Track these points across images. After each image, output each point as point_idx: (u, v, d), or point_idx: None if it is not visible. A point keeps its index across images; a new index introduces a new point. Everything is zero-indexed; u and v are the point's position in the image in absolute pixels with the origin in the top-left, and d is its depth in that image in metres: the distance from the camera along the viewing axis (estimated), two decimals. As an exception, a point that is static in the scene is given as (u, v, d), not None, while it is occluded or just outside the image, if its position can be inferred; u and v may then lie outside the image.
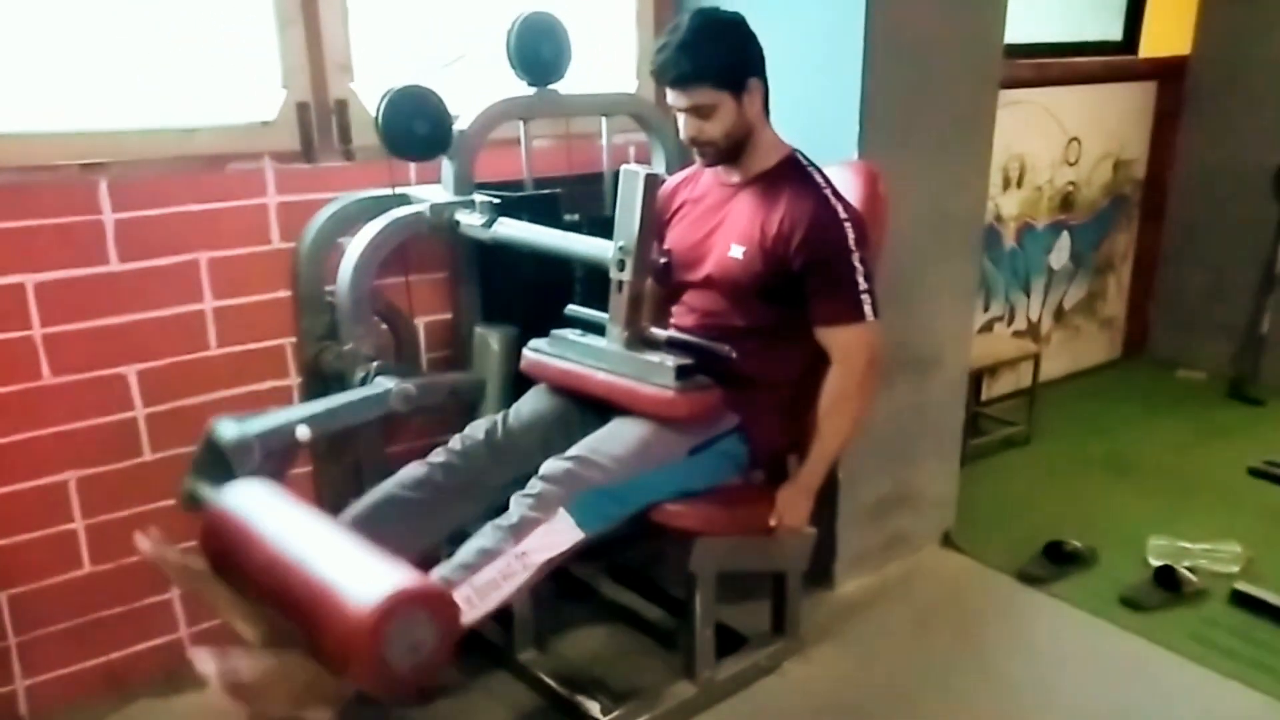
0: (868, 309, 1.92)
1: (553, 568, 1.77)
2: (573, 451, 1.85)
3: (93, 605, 2.12)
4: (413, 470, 1.94)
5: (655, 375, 1.87)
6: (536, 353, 2.06)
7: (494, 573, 1.71)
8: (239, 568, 1.61)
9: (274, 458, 1.88)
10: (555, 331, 2.06)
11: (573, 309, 2.06)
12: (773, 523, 2.00)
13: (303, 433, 1.92)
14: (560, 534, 1.77)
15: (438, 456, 1.96)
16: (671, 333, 1.99)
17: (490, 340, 2.20)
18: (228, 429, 1.86)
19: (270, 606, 1.57)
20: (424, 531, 1.92)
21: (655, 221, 1.87)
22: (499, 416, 2.03)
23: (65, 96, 1.94)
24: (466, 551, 1.73)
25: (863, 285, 1.91)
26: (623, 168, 1.84)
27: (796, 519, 2.04)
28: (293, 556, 1.52)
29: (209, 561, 1.67)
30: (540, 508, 1.77)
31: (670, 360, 1.86)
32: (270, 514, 1.63)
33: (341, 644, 1.41)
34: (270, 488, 1.72)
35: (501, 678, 2.22)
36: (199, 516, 1.72)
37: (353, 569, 1.47)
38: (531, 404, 2.07)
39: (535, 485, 1.80)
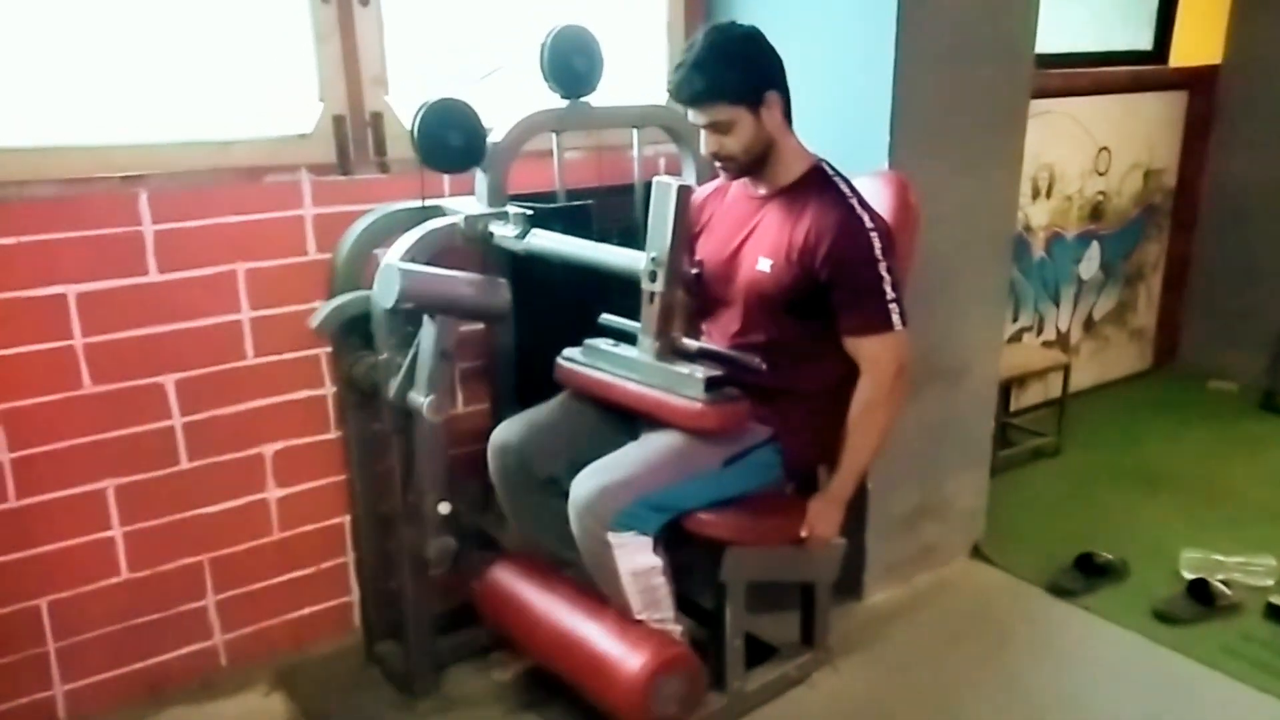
0: (895, 318, 1.92)
1: (669, 567, 1.91)
2: (603, 468, 1.88)
3: (130, 612, 2.15)
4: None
5: (685, 387, 1.88)
6: (570, 361, 2.08)
7: (642, 606, 1.90)
8: (515, 633, 2.07)
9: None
10: (588, 341, 2.07)
11: (606, 318, 2.07)
12: (804, 534, 2.01)
13: (444, 508, 2.03)
14: (633, 551, 1.86)
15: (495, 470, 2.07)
16: (703, 344, 1.99)
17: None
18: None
19: (547, 666, 2.03)
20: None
21: (687, 233, 1.88)
22: (524, 426, 2.06)
23: (106, 110, 1.97)
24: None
25: (890, 294, 1.91)
26: (655, 179, 1.84)
27: (827, 530, 2.04)
28: (568, 628, 1.96)
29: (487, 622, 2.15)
30: (592, 545, 1.86)
31: (700, 372, 1.87)
32: (538, 588, 2.06)
33: (619, 702, 1.86)
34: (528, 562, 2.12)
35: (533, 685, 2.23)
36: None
37: (618, 639, 1.89)
38: (561, 410, 2.09)
39: (574, 522, 1.87)
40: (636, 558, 1.87)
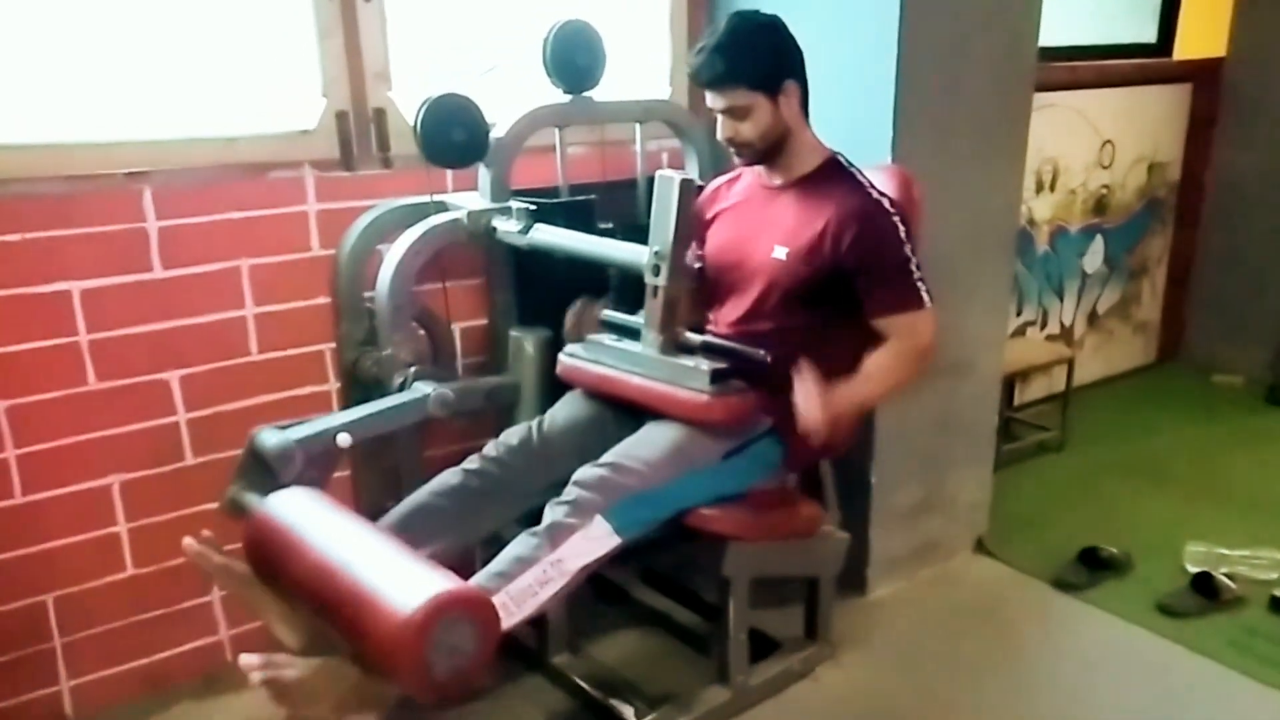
0: (925, 296, 1.95)
1: (589, 574, 1.77)
2: (607, 458, 1.86)
3: (135, 608, 2.16)
4: (448, 478, 1.96)
5: (690, 379, 1.88)
6: (572, 358, 2.08)
7: (530, 580, 1.71)
8: (282, 574, 1.64)
9: (316, 464, 1.90)
10: (590, 336, 2.07)
11: (608, 314, 2.07)
12: (805, 414, 1.86)
13: (344, 440, 1.94)
14: (597, 541, 1.78)
15: (473, 463, 1.97)
16: (707, 337, 1.99)
17: (525, 344, 2.22)
18: (269, 437, 1.88)
19: (314, 613, 1.60)
20: (459, 536, 1.93)
21: (691, 226, 1.88)
22: (534, 423, 2.05)
23: (110, 107, 1.98)
24: (502, 560, 1.74)
25: (917, 274, 1.94)
26: (658, 173, 1.85)
27: (814, 410, 1.85)
28: (336, 563, 1.53)
29: (253, 568, 1.70)
30: (576, 514, 1.78)
31: (705, 365, 1.87)
32: (313, 521, 1.65)
33: (385, 648, 1.42)
34: (312, 495, 1.74)
35: (536, 681, 2.24)
36: (242, 523, 1.74)
37: (395, 575, 1.49)
38: (567, 409, 2.08)
39: (571, 492, 1.81)
40: (585, 546, 1.75)
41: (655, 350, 1.93)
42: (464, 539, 1.94)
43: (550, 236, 2.07)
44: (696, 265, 2.05)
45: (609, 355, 2.02)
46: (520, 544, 1.75)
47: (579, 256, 2.05)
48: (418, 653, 1.39)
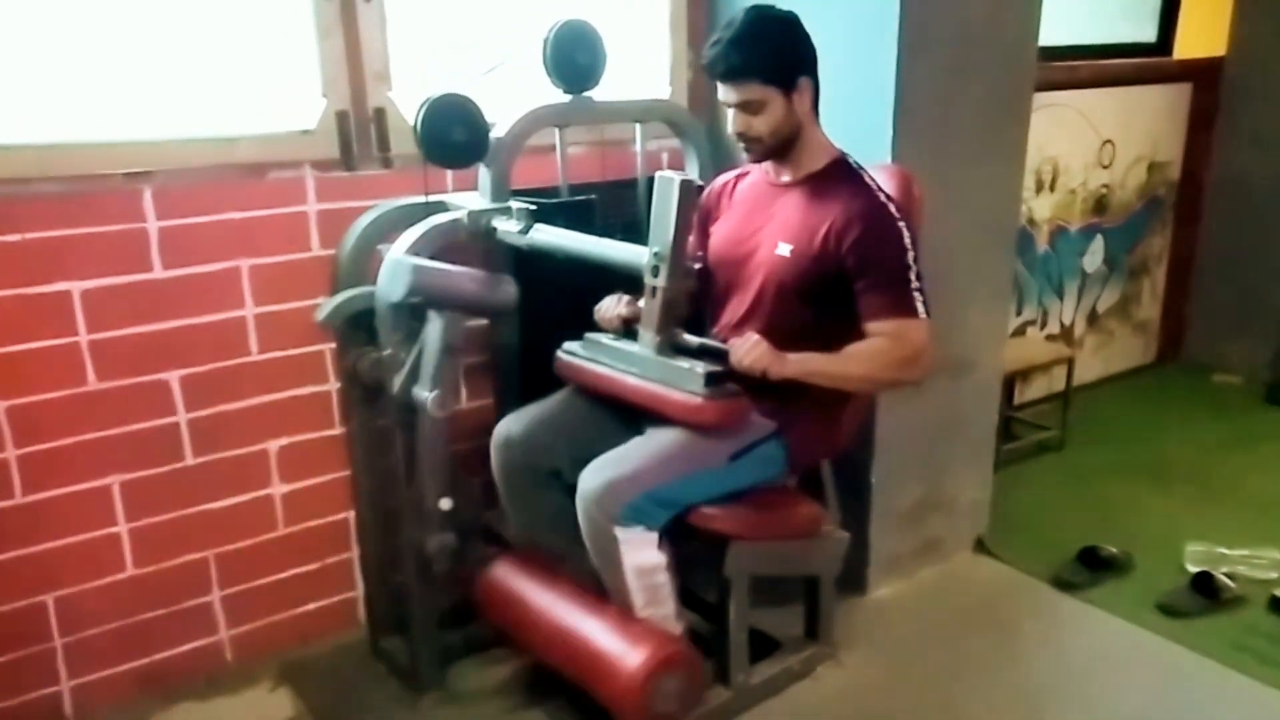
0: (920, 306, 1.92)
1: (673, 564, 1.92)
2: (610, 462, 1.88)
3: (135, 607, 2.16)
4: (513, 489, 2.09)
5: (685, 381, 1.88)
6: (569, 355, 2.08)
7: (643, 600, 1.90)
8: (515, 629, 2.07)
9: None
10: (589, 335, 2.07)
11: (599, 311, 2.08)
12: (735, 357, 1.89)
13: (446, 504, 2.04)
14: (638, 547, 1.86)
15: (501, 464, 2.07)
16: (705, 340, 1.99)
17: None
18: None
19: (546, 662, 2.02)
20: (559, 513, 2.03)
21: (689, 227, 1.88)
22: (528, 421, 2.07)
23: (110, 107, 1.98)
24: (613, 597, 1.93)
25: (915, 283, 1.92)
26: (658, 174, 1.85)
27: (749, 354, 1.88)
28: (568, 624, 1.95)
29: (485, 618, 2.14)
30: (600, 539, 1.86)
31: (700, 367, 1.87)
32: (537, 585, 2.05)
33: (618, 698, 1.85)
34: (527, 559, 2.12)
35: (535, 679, 2.24)
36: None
37: (618, 635, 1.89)
38: (565, 404, 2.10)
39: (581, 514, 1.86)
40: (641, 553, 1.87)
41: (652, 351, 1.93)
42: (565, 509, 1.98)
43: (550, 237, 2.07)
44: (696, 266, 2.05)
45: (606, 354, 2.02)
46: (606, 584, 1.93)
47: (578, 257, 2.05)
48: (644, 701, 1.82)
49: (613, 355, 2.01)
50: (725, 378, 1.89)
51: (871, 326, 1.93)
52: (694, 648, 1.96)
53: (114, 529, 2.10)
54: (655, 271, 1.87)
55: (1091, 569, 2.64)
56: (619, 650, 1.86)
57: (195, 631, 2.25)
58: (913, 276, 1.92)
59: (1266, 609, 2.49)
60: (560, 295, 2.17)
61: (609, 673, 1.86)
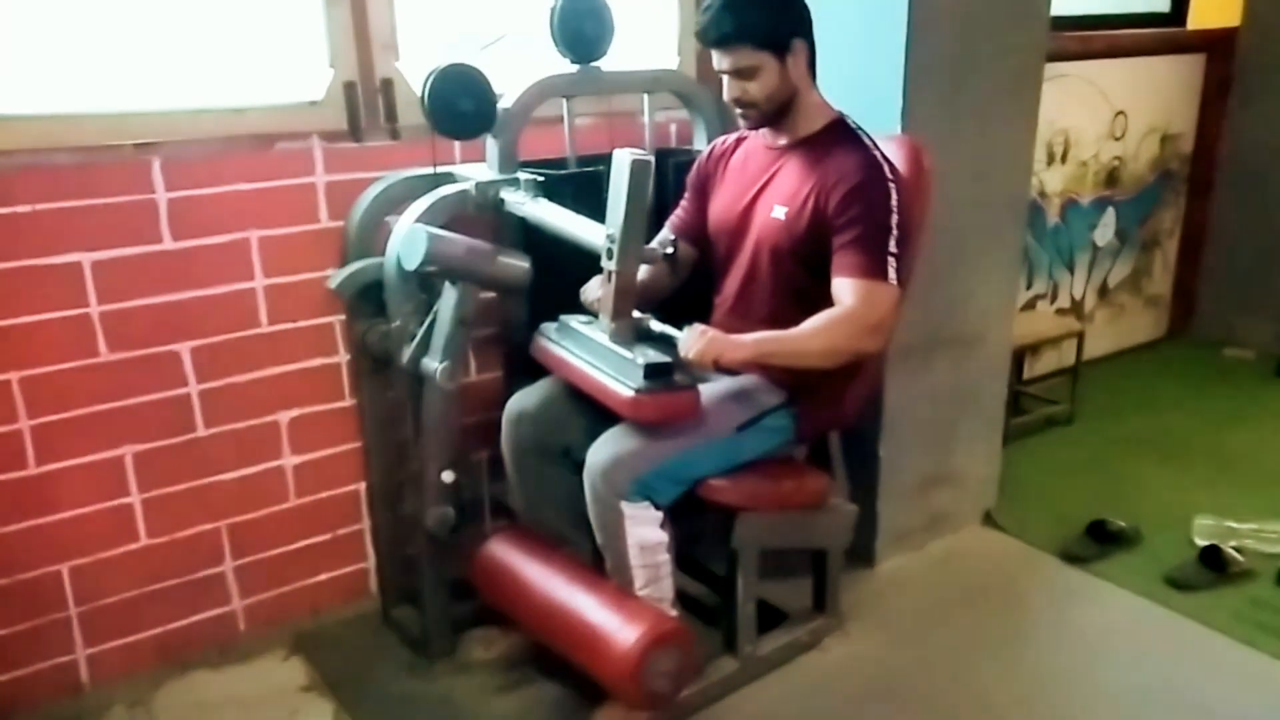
0: (892, 273, 1.85)
1: (674, 547, 1.92)
2: (616, 436, 1.88)
3: (149, 577, 2.18)
4: (518, 468, 2.09)
5: (626, 373, 1.82)
6: (542, 337, 2.07)
7: (644, 579, 1.90)
8: (510, 606, 2.06)
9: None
10: (563, 317, 2.05)
11: (584, 293, 2.06)
12: (682, 351, 1.84)
13: (448, 477, 2.05)
14: (643, 524, 1.86)
15: (511, 445, 2.07)
16: (665, 327, 1.89)
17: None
18: None
19: (539, 640, 2.03)
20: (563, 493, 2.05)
21: (645, 210, 1.81)
22: (540, 395, 2.07)
23: (119, 78, 1.97)
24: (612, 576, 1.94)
25: (893, 249, 1.86)
26: (615, 152, 1.79)
27: (700, 347, 1.82)
28: (562, 602, 1.94)
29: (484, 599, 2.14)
30: (605, 513, 1.85)
31: (642, 358, 1.79)
32: (533, 561, 2.04)
33: (611, 675, 1.85)
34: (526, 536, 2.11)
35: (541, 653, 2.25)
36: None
37: (613, 612, 1.88)
38: (552, 385, 2.10)
39: (588, 488, 1.86)
40: (645, 530, 1.87)
41: (607, 337, 1.89)
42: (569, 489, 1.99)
43: (531, 210, 2.04)
44: (668, 250, 1.94)
45: (570, 339, 1.99)
46: (608, 562, 1.93)
47: (552, 232, 2.01)
48: (638, 678, 1.81)
49: (575, 340, 1.96)
50: (671, 368, 1.81)
51: (840, 283, 1.87)
52: (689, 626, 1.96)
53: (127, 499, 2.11)
54: (609, 254, 1.82)
55: (1100, 542, 2.64)
56: (614, 626, 1.85)
57: (208, 601, 2.26)
58: (892, 242, 1.85)
59: (1274, 582, 2.49)
60: (569, 268, 2.17)
61: (603, 649, 1.84)
